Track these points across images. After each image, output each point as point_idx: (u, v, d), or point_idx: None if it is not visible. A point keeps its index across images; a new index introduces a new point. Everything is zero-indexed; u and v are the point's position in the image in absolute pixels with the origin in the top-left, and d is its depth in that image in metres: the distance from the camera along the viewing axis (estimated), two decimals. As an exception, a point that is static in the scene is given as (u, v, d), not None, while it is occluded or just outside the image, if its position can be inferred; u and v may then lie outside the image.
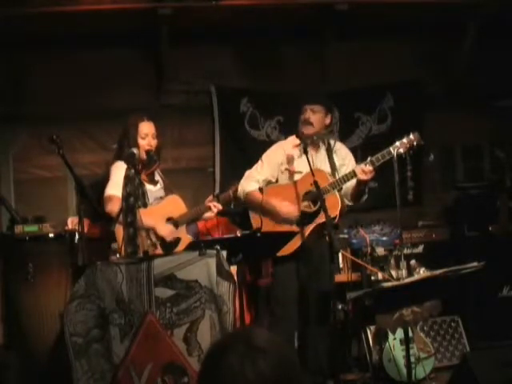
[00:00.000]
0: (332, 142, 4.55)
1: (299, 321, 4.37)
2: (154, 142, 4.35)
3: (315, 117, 4.40)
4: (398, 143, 4.23)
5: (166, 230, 4.29)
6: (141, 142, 4.30)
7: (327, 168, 4.39)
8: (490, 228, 5.34)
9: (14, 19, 4.94)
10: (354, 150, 5.84)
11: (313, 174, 4.14)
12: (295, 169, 4.44)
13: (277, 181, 4.50)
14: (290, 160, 4.47)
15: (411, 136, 4.24)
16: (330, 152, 4.43)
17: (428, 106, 6.00)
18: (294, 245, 4.25)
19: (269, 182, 4.49)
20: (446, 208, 5.80)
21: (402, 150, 4.23)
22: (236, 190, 4.50)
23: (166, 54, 5.51)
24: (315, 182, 4.09)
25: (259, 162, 4.54)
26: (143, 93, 5.62)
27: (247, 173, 4.52)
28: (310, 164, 4.17)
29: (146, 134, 4.33)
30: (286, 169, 4.46)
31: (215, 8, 5.09)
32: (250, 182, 4.47)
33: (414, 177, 4.77)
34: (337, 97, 5.90)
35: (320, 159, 4.43)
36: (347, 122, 5.95)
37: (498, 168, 5.85)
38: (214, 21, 5.39)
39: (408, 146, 4.22)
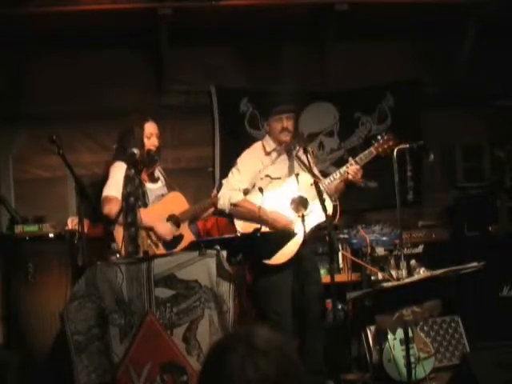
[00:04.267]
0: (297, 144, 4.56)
1: (295, 323, 4.37)
2: (157, 142, 4.39)
3: (290, 123, 4.43)
4: (376, 144, 4.47)
5: (165, 230, 4.28)
6: (146, 141, 4.33)
7: (300, 170, 4.40)
8: (490, 228, 5.34)
9: (14, 19, 4.94)
10: (354, 150, 5.86)
11: (313, 175, 4.14)
12: (271, 175, 4.43)
13: (253, 187, 4.44)
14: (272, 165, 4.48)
15: (385, 136, 4.51)
16: (305, 152, 4.43)
17: (428, 106, 6.00)
18: (286, 254, 4.23)
19: (247, 191, 4.46)
20: (446, 208, 5.80)
21: (380, 150, 4.47)
22: None
23: (166, 53, 5.51)
24: (315, 182, 4.09)
25: (234, 170, 4.49)
26: (143, 93, 5.62)
27: (225, 182, 4.48)
28: (310, 166, 4.18)
29: (152, 134, 4.37)
30: (267, 175, 4.44)
31: (215, 8, 5.09)
32: (234, 192, 4.41)
33: (414, 177, 4.77)
34: (337, 97, 5.93)
35: (295, 164, 4.45)
36: (347, 122, 5.95)
37: (498, 168, 5.85)
38: (214, 21, 5.39)
39: (385, 145, 4.48)
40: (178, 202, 4.41)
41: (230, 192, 4.41)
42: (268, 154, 4.49)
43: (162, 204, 4.36)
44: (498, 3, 5.48)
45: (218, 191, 4.56)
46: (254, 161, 4.49)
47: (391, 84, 6.00)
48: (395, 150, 4.59)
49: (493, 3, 5.49)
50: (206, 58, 5.72)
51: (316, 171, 4.52)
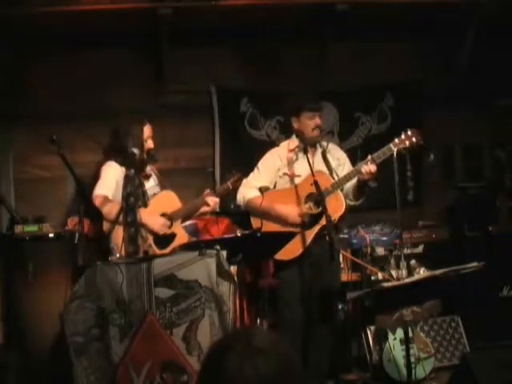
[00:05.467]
0: (325, 143, 4.58)
1: (303, 321, 4.37)
2: (152, 145, 4.39)
3: (321, 121, 4.50)
4: (396, 140, 4.29)
5: (158, 223, 4.26)
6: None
7: (325, 169, 4.41)
8: (490, 228, 5.34)
9: (14, 19, 4.94)
10: (353, 150, 5.86)
11: (313, 175, 4.14)
12: (295, 172, 4.45)
13: (275, 186, 4.49)
14: (290, 163, 4.48)
15: (409, 132, 4.29)
16: (324, 153, 4.47)
17: (428, 106, 6.00)
18: (297, 249, 4.25)
19: (267, 189, 4.48)
20: (446, 208, 5.80)
21: (401, 146, 4.28)
22: (237, 180, 4.49)
23: (166, 53, 5.51)
24: (315, 182, 4.09)
25: (255, 169, 4.54)
26: (143, 93, 5.62)
27: (245, 181, 4.52)
28: (310, 165, 4.18)
29: (148, 137, 4.38)
30: (285, 173, 4.46)
31: (215, 8, 5.09)
32: (250, 189, 4.46)
33: (413, 177, 4.77)
34: (337, 97, 5.92)
35: (318, 161, 4.45)
36: (347, 122, 5.95)
37: (498, 168, 5.85)
38: (213, 21, 5.39)
39: (407, 142, 4.27)
40: (170, 201, 4.40)
41: (245, 190, 4.47)
42: (291, 150, 4.50)
43: (154, 202, 4.34)
44: (497, 3, 5.48)
45: (210, 189, 4.55)
46: (273, 159, 4.53)
47: (391, 84, 6.01)
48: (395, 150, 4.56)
49: (493, 3, 5.49)
50: (206, 58, 5.72)
51: (344, 168, 4.51)
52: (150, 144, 4.37)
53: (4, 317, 4.57)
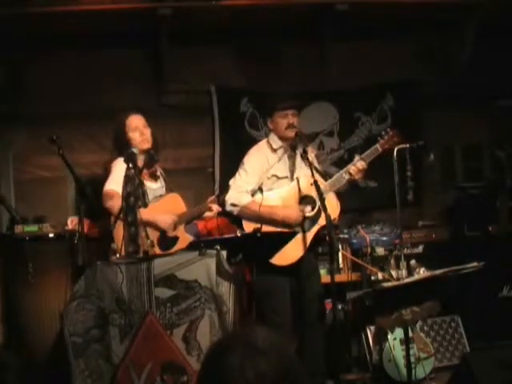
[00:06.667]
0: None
1: (295, 324, 4.37)
2: (146, 131, 4.31)
3: (296, 119, 4.43)
4: (382, 140, 4.45)
5: (167, 221, 4.24)
6: (132, 135, 4.27)
7: (305, 170, 4.38)
8: (490, 228, 5.34)
9: (14, 19, 4.94)
10: (353, 150, 5.87)
11: (313, 175, 4.14)
12: (279, 173, 4.42)
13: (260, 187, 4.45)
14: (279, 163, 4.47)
15: (390, 132, 4.48)
16: (305, 154, 4.42)
17: (428, 106, 6.00)
18: (298, 253, 4.24)
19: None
20: (446, 208, 5.80)
21: (387, 147, 4.44)
22: None
23: (166, 53, 5.51)
24: (315, 182, 4.08)
25: (242, 171, 4.44)
26: (143, 93, 5.61)
27: (232, 184, 4.44)
28: (310, 166, 4.17)
29: (137, 126, 4.29)
30: (274, 175, 4.42)
31: (215, 8, 5.10)
32: (242, 194, 4.37)
33: (413, 177, 4.77)
34: (337, 97, 5.92)
35: (299, 163, 4.44)
36: (347, 122, 5.95)
37: (498, 168, 5.85)
38: (213, 21, 5.39)
39: (391, 142, 4.46)
40: (176, 204, 4.38)
41: (236, 194, 4.38)
42: (274, 151, 4.46)
43: (160, 205, 4.33)
44: (497, 3, 5.48)
45: (218, 194, 4.55)
46: (260, 160, 4.45)
47: (391, 84, 6.00)
48: (395, 150, 4.58)
49: (493, 3, 5.49)
50: (206, 58, 5.71)
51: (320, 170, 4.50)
52: (142, 131, 4.29)
53: (4, 317, 4.57)
